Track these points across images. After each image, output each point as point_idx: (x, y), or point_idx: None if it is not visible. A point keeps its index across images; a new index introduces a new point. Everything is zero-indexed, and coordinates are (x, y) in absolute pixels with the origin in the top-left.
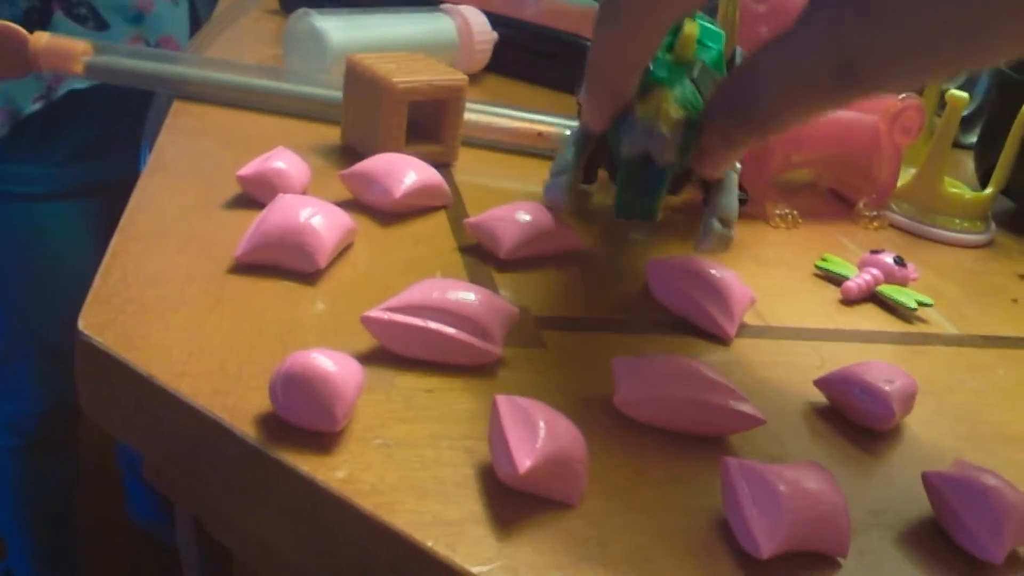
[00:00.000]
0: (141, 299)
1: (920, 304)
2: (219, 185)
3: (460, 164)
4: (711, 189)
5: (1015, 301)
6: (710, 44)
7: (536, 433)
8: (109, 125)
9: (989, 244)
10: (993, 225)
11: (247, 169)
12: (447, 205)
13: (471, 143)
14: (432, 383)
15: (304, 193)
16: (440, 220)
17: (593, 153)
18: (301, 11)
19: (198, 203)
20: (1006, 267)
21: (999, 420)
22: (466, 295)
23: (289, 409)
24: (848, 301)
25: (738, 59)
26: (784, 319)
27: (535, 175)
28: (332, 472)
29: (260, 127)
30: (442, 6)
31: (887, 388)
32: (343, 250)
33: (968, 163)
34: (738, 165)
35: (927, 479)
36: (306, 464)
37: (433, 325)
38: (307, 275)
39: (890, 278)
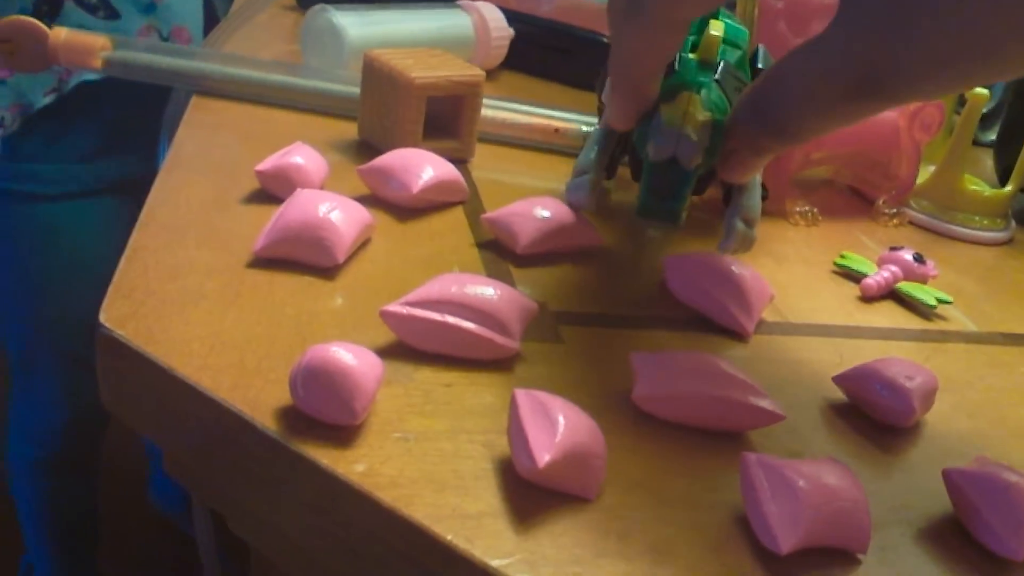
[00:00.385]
0: (161, 293)
1: (940, 301)
2: (237, 180)
3: (477, 160)
4: (733, 189)
5: None
6: (735, 43)
7: (555, 427)
8: (124, 121)
9: (1009, 242)
10: (1013, 223)
11: (265, 164)
12: (464, 201)
13: (488, 139)
14: (451, 377)
15: (322, 188)
16: (457, 215)
17: (613, 149)
18: (318, 7)
19: (217, 198)
20: None
21: (1020, 417)
22: (484, 290)
23: (309, 402)
24: (867, 298)
25: (760, 57)
26: (803, 316)
27: (552, 171)
28: (351, 465)
29: (278, 122)
30: (459, 2)
31: (908, 384)
32: (361, 245)
33: (988, 161)
34: None
35: (948, 476)
36: (326, 457)
37: (451, 320)
38: (325, 270)
39: (909, 275)
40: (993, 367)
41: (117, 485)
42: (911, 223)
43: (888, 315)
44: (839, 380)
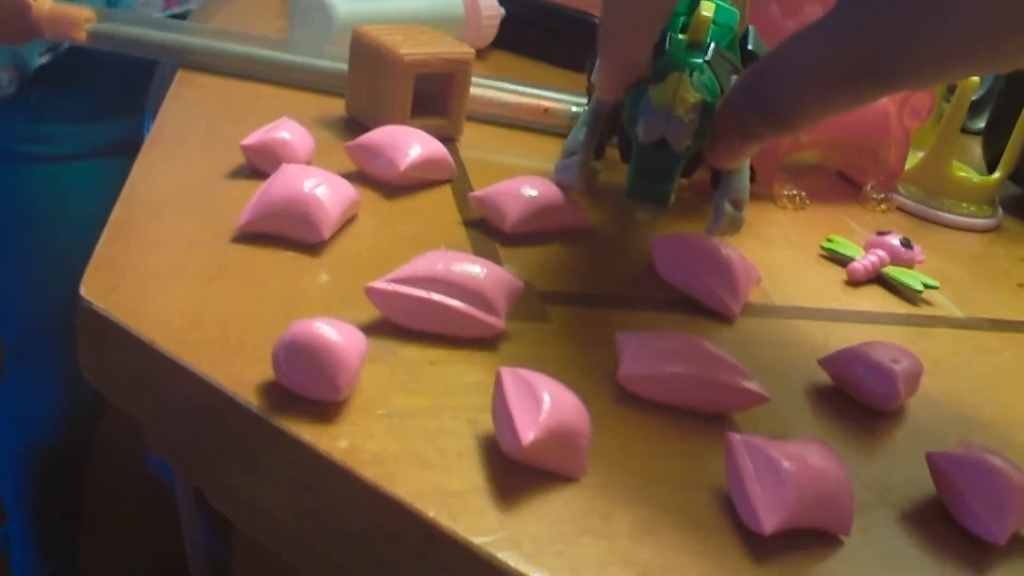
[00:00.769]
0: (144, 267)
1: (926, 286)
2: (223, 155)
3: (465, 139)
4: (722, 171)
5: (1021, 286)
6: (725, 25)
7: (540, 405)
8: (126, 80)
9: (996, 229)
10: (1000, 210)
11: (251, 139)
12: (452, 179)
13: (476, 118)
14: (436, 355)
15: (308, 164)
16: (445, 194)
17: (603, 131)
18: None
19: (201, 172)
20: (1012, 252)
21: (1004, 403)
22: (471, 267)
23: (291, 378)
24: (854, 282)
25: (751, 39)
26: (789, 299)
27: (540, 151)
28: (334, 441)
29: (264, 98)
30: None
31: (893, 368)
32: (347, 222)
33: (976, 149)
34: None
35: (931, 459)
36: (308, 433)
37: (437, 297)
38: (311, 246)
39: (896, 260)
40: (978, 352)
41: (116, 441)
42: (899, 209)
43: (874, 299)
44: (824, 363)
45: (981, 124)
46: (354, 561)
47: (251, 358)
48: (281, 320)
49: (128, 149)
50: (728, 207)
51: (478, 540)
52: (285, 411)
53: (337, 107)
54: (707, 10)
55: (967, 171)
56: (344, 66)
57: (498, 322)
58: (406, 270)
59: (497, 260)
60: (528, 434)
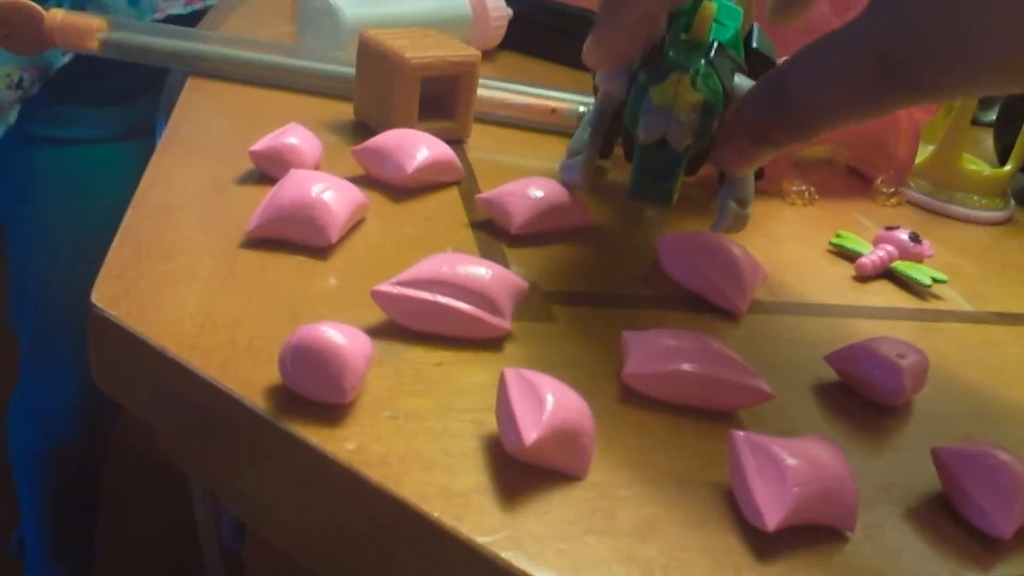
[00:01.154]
0: (154, 273)
1: (935, 281)
2: (232, 161)
3: (473, 140)
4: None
5: None
6: (727, 22)
7: (543, 406)
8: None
9: (1007, 222)
10: (1012, 203)
11: (260, 145)
12: (459, 181)
13: (484, 119)
14: (441, 357)
15: (316, 169)
16: (452, 196)
17: (608, 128)
18: None
19: (211, 178)
20: None
21: (1012, 398)
22: (475, 269)
23: (298, 381)
24: (862, 277)
25: (755, 37)
26: (797, 295)
27: (548, 152)
28: (341, 443)
29: (273, 103)
30: None
31: (899, 363)
32: (355, 225)
33: (987, 141)
34: None
35: (937, 454)
36: (315, 435)
37: (442, 299)
38: (318, 250)
39: (905, 254)
40: (987, 347)
41: (135, 429)
42: (909, 203)
43: (883, 295)
44: (831, 359)
45: (992, 116)
46: (361, 561)
47: (259, 362)
48: (289, 324)
49: (150, 132)
50: (733, 204)
51: (482, 539)
52: (292, 414)
53: (346, 111)
54: (708, 8)
55: (978, 164)
56: (352, 71)
57: (503, 323)
58: (412, 273)
59: (504, 261)
60: (531, 434)
